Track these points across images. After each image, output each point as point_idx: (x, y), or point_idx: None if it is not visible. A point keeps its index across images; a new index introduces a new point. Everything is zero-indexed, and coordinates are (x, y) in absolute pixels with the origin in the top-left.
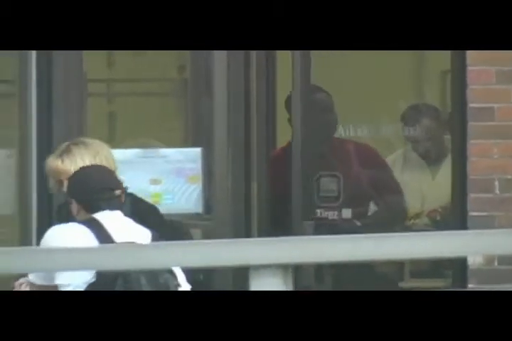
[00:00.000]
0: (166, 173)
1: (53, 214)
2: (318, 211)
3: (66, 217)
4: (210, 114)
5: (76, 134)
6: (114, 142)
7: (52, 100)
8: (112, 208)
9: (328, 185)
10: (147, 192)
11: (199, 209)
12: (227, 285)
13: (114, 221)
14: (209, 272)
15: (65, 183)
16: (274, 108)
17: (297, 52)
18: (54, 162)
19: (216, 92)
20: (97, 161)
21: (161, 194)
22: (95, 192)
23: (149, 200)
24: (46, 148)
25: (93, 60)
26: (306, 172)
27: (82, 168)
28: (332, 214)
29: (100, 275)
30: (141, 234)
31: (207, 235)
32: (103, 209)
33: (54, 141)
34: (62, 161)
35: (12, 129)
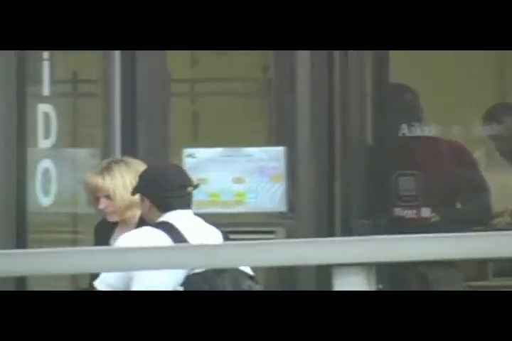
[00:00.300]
0: (250, 172)
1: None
2: (397, 209)
3: (103, 235)
4: (293, 113)
5: (159, 134)
6: (198, 142)
7: (136, 100)
8: (183, 207)
9: (407, 183)
10: (231, 191)
11: (282, 208)
12: (311, 285)
13: (187, 221)
14: (292, 271)
15: (102, 200)
16: (363, 107)
17: (373, 52)
18: (94, 179)
19: (299, 91)
20: (119, 192)
21: (245, 193)
22: (170, 189)
23: (233, 199)
24: (130, 148)
25: (177, 60)
26: (387, 171)
27: (155, 166)
28: (411, 213)
29: (187, 284)
30: (213, 235)
31: (290, 234)
32: (175, 208)
33: (138, 140)
34: (103, 178)
35: (96, 129)
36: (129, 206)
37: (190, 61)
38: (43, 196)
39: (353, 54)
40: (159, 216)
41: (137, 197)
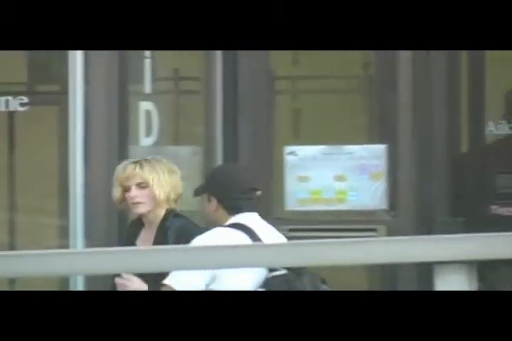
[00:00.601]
0: (351, 170)
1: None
2: (494, 207)
3: (135, 234)
4: (394, 111)
5: (261, 131)
6: (300, 139)
7: (238, 97)
8: (251, 209)
9: (506, 181)
10: (332, 189)
11: (383, 205)
12: (412, 284)
13: (256, 224)
14: (393, 270)
15: (133, 189)
16: (459, 106)
17: (470, 51)
18: (130, 167)
19: (401, 89)
20: (173, 179)
21: (346, 191)
22: (240, 191)
23: (335, 197)
24: (232, 146)
25: (278, 58)
26: (485, 169)
27: (225, 166)
28: (507, 211)
29: (268, 286)
30: (280, 238)
31: (391, 232)
32: (243, 211)
33: (239, 138)
34: (141, 167)
35: (198, 126)
36: (167, 199)
37: (291, 59)
38: None
39: (450, 53)
40: (226, 217)
41: (172, 194)
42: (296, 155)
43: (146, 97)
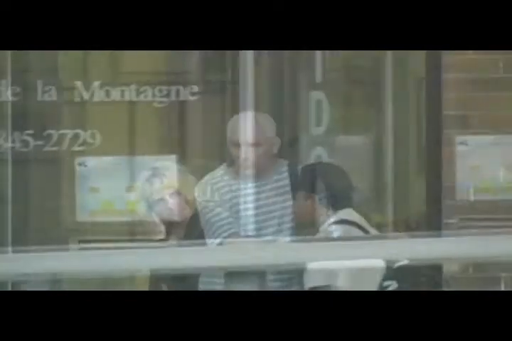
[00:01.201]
0: None
1: None
2: None
3: None
4: None
5: (432, 121)
6: (471, 128)
7: (407, 86)
8: (349, 205)
9: None
10: (503, 179)
11: None
12: None
13: (358, 219)
14: None
15: (170, 198)
16: None
17: None
18: (157, 180)
19: None
20: (185, 187)
21: None
22: (345, 189)
23: (505, 186)
24: (402, 137)
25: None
26: None
27: (320, 164)
28: None
29: (395, 276)
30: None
31: None
32: (345, 207)
33: (409, 128)
34: (165, 176)
35: (368, 116)
36: (194, 199)
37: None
38: None
39: None
40: (328, 215)
41: (197, 194)
42: (466, 145)
43: (317, 86)
